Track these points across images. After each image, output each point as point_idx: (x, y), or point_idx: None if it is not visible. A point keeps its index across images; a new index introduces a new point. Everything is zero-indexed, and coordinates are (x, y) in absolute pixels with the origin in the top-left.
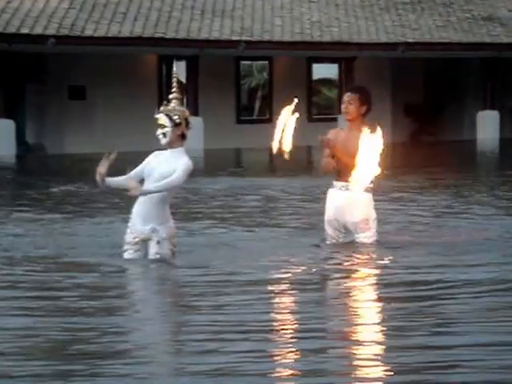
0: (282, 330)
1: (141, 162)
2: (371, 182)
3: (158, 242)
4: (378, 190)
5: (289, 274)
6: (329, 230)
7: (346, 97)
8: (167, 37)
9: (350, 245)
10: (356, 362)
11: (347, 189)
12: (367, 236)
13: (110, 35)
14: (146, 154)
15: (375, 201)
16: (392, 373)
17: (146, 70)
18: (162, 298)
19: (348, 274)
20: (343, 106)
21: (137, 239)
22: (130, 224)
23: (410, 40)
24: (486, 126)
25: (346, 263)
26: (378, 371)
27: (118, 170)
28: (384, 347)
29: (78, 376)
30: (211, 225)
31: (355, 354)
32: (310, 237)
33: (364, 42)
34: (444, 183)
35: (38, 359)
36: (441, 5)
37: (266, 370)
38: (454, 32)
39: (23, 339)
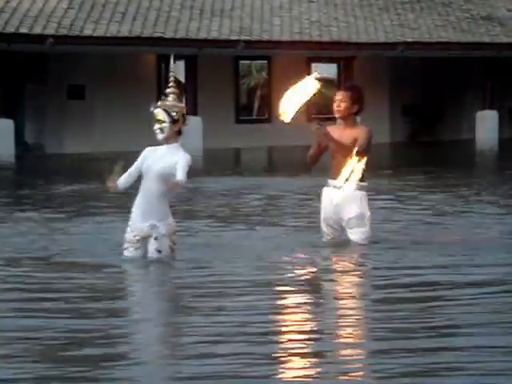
0: (283, 331)
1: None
2: (363, 179)
3: (157, 239)
4: (377, 189)
5: (289, 275)
6: (325, 228)
7: (339, 95)
8: (166, 36)
9: (349, 245)
10: (357, 365)
11: (341, 187)
12: (361, 231)
13: (108, 35)
14: None
15: (375, 200)
16: (393, 375)
17: (145, 70)
18: (162, 299)
19: (348, 274)
20: (335, 104)
21: (137, 237)
22: (130, 222)
23: (409, 40)
24: (485, 126)
25: (345, 263)
26: (379, 373)
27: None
28: (385, 349)
29: (79, 378)
30: (211, 224)
31: (356, 355)
32: (310, 236)
33: (363, 42)
34: (444, 183)
35: (38, 362)
36: (440, 4)
37: (266, 373)
38: (453, 32)
39: (23, 340)
